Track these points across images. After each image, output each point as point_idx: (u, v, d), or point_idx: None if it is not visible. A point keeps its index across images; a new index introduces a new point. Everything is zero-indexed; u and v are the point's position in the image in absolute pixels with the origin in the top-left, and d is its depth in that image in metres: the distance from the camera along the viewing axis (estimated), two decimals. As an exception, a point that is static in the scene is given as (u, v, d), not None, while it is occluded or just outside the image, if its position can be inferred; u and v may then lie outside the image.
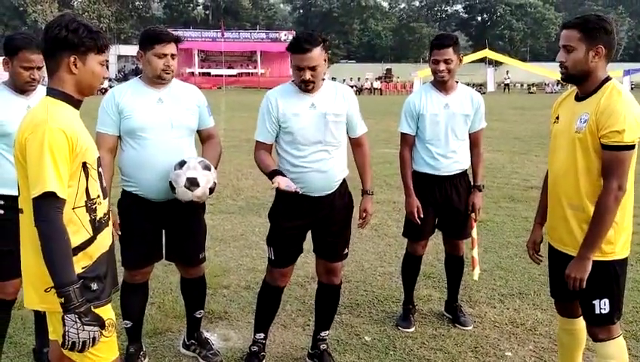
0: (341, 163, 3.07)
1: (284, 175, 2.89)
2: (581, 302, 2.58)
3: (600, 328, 2.52)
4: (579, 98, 2.51)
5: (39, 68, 2.86)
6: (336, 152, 3.04)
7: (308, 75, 2.87)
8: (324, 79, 3.05)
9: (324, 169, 2.99)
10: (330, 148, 3.01)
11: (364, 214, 3.22)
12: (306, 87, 2.92)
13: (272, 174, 2.89)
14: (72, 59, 2.01)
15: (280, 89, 3.08)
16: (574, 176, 2.47)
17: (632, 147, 2.33)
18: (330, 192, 3.06)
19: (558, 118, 2.62)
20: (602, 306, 2.48)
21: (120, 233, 3.01)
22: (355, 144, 3.22)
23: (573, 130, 2.45)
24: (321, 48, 2.87)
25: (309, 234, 3.19)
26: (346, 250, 3.25)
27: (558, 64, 2.49)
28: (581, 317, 2.72)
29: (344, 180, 3.15)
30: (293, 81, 3.04)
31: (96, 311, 2.00)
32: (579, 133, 2.43)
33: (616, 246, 2.46)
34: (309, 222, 3.06)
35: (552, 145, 2.63)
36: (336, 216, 3.12)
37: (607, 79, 2.43)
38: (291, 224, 3.05)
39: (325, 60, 2.94)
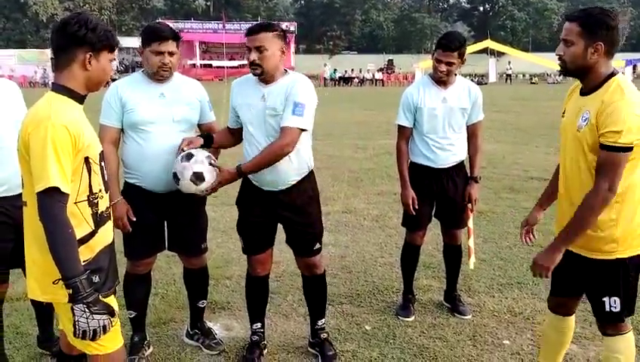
0: (292, 162, 2.96)
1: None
2: (590, 297, 2.55)
3: (609, 324, 2.51)
4: (583, 92, 2.45)
5: None
6: None
7: (253, 55, 2.82)
8: (286, 71, 2.98)
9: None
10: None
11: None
12: (254, 70, 2.89)
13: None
14: (87, 56, 2.07)
15: (242, 78, 3.10)
16: (578, 175, 2.41)
17: (628, 149, 2.25)
18: (284, 188, 3.02)
19: (564, 111, 2.57)
20: (613, 304, 2.44)
21: (134, 219, 3.01)
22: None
23: (576, 127, 2.40)
24: (272, 35, 2.84)
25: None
26: (318, 245, 3.21)
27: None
28: (573, 316, 2.74)
29: (306, 177, 3.09)
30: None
31: None
32: (579, 131, 2.37)
33: (619, 244, 2.38)
34: (271, 214, 3.07)
35: (562, 140, 2.57)
36: (299, 211, 3.08)
37: (612, 75, 2.34)
38: (251, 212, 3.10)
39: (282, 52, 2.89)
